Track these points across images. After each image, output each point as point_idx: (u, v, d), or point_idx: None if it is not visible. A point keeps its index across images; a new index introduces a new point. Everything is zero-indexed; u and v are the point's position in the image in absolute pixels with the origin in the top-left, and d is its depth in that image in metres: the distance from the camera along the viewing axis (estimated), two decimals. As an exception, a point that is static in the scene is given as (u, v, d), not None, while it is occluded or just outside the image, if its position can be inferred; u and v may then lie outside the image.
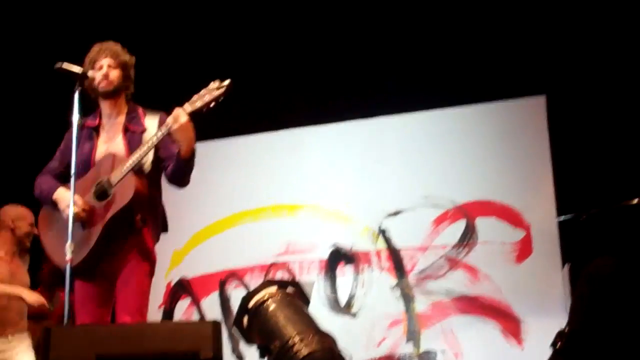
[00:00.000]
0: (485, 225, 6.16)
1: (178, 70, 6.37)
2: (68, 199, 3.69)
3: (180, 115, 3.70)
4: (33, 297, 5.10)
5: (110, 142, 3.97)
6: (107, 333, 3.07)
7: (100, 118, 4.04)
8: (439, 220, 6.27)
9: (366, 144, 6.61)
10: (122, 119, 4.01)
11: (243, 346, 6.08)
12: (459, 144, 6.39)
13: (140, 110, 4.04)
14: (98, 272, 3.83)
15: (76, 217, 3.68)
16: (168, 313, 6.77)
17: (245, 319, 3.62)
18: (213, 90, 3.70)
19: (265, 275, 6.50)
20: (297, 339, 3.30)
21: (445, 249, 6.19)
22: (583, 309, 3.46)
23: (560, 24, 5.97)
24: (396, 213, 6.35)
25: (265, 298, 3.57)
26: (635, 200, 4.37)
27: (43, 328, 3.06)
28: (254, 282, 6.29)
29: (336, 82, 6.49)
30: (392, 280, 6.29)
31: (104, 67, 3.95)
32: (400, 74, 6.36)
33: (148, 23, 6.40)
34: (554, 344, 3.54)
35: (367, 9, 6.36)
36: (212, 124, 4.60)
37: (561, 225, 5.89)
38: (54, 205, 3.90)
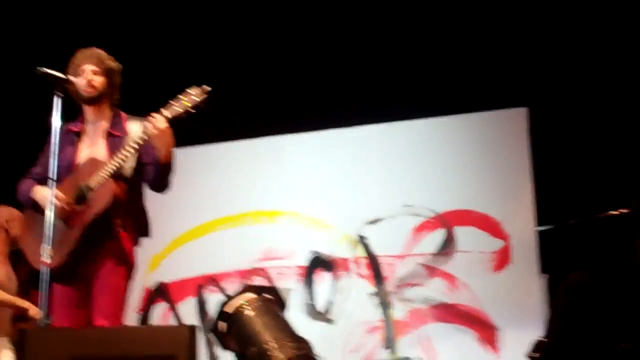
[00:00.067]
0: (464, 234, 6.18)
1: (159, 77, 6.34)
2: (47, 193, 3.69)
3: (158, 121, 3.71)
4: (35, 310, 5.04)
5: (92, 147, 3.99)
6: (83, 336, 3.06)
7: (83, 123, 4.05)
8: (419, 229, 6.28)
9: (347, 152, 6.61)
10: (105, 124, 4.02)
11: (219, 351, 6.07)
12: (440, 153, 6.40)
13: (123, 115, 4.05)
14: (76, 276, 3.83)
15: (59, 212, 3.69)
16: (145, 317, 6.75)
17: (223, 325, 3.63)
18: (191, 95, 3.71)
19: (243, 281, 6.50)
20: (273, 345, 3.31)
21: (424, 257, 6.22)
22: (560, 321, 3.50)
23: (544, 37, 6.00)
24: (376, 221, 6.37)
25: (243, 304, 3.58)
26: (614, 212, 4.40)
27: (18, 330, 3.05)
28: (232, 287, 6.29)
29: (318, 91, 6.49)
30: (371, 287, 6.30)
31: (88, 73, 3.95)
32: (382, 84, 6.38)
33: (128, 29, 6.36)
34: (530, 354, 3.57)
35: (350, 19, 6.37)
36: (195, 131, 4.60)
37: (540, 236, 5.94)
38: (35, 207, 3.91)
